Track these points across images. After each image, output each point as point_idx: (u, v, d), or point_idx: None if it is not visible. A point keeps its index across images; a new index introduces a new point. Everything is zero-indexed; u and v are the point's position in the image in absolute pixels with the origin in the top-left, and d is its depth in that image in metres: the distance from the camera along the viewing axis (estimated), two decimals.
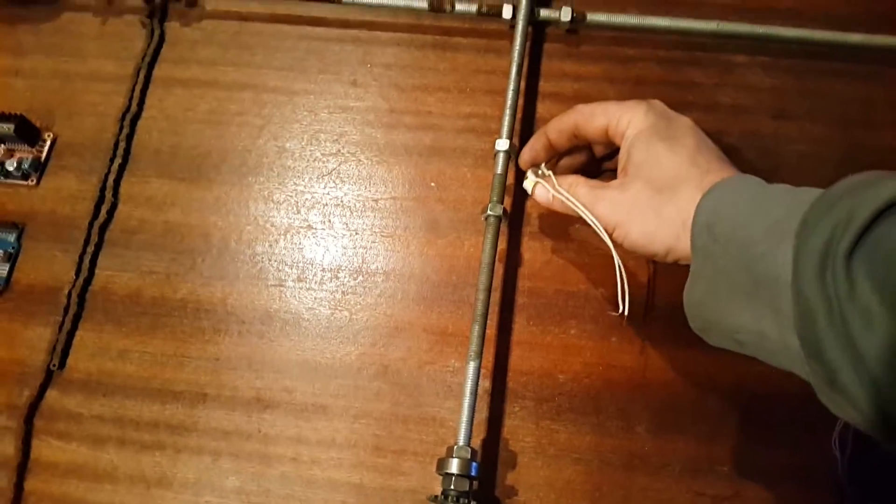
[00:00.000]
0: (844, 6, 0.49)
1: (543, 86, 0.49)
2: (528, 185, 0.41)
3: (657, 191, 0.35)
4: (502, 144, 0.43)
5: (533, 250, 0.45)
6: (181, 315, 0.44)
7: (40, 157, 0.48)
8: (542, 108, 0.48)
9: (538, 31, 0.50)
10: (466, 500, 0.35)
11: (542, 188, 0.40)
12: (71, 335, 0.44)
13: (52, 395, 0.43)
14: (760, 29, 0.48)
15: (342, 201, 0.47)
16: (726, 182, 0.33)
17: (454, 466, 0.36)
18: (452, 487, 0.35)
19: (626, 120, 0.38)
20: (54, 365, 0.43)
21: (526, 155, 0.43)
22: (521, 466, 0.40)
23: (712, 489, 0.39)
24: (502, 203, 0.42)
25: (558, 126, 0.41)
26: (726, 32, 0.48)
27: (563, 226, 0.45)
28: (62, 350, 0.44)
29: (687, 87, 0.48)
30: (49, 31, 0.53)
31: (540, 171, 0.42)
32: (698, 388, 0.41)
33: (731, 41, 0.48)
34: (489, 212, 0.42)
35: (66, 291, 0.45)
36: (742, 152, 0.46)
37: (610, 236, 0.37)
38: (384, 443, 0.41)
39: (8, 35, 0.53)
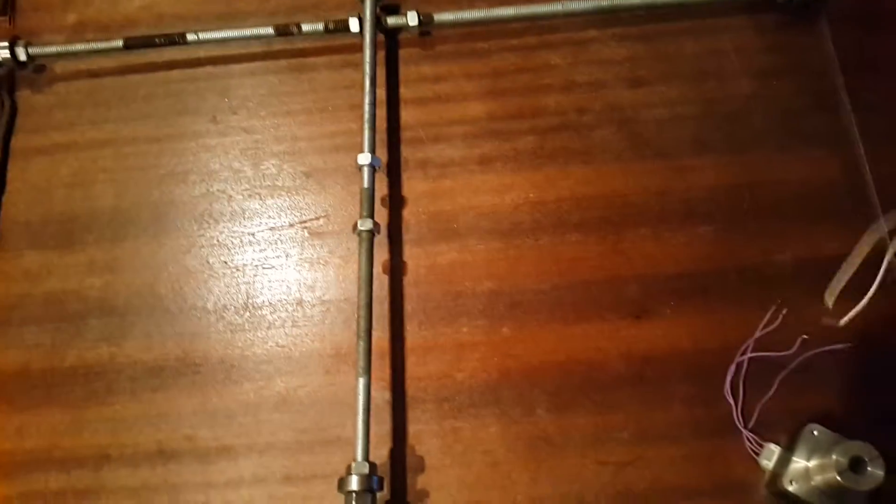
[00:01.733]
0: None
1: (404, 92, 0.50)
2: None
3: None
4: (364, 158, 0.45)
5: (415, 257, 0.46)
6: (73, 382, 0.45)
7: None
8: (405, 114, 0.50)
9: (391, 38, 0.52)
10: None
11: None
12: None
13: None
14: (605, 2, 0.50)
15: (218, 240, 0.48)
16: None
17: (354, 483, 0.37)
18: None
19: None
20: None
21: None
22: (430, 469, 0.41)
23: (614, 456, 0.41)
24: (372, 217, 0.44)
25: None
26: (572, 11, 0.50)
27: (441, 228, 0.47)
28: None
29: (543, 70, 0.50)
30: None
31: None
32: (590, 362, 0.43)
33: (580, 18, 0.51)
34: (360, 227, 0.43)
35: None
36: (604, 126, 0.48)
37: None
38: (293, 472, 0.42)
39: None
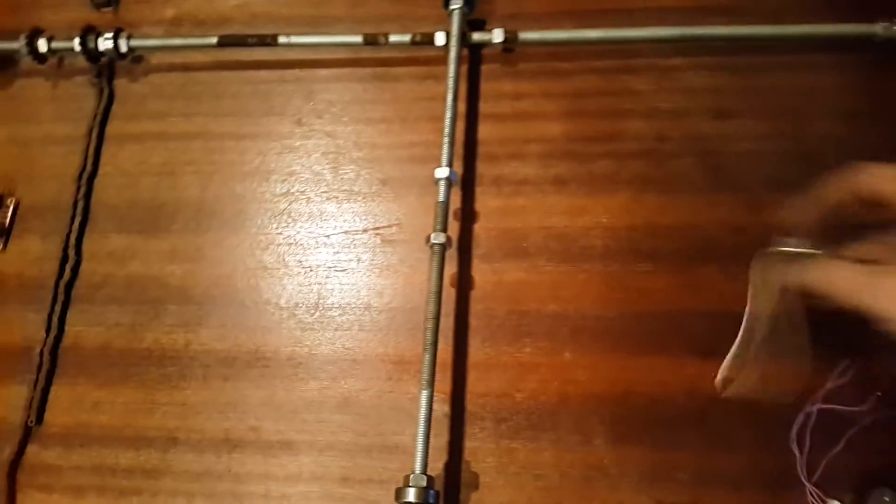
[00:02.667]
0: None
1: (483, 107, 0.51)
2: None
3: None
4: (442, 172, 0.45)
5: (483, 273, 0.47)
6: (148, 363, 0.47)
7: (4, 223, 0.51)
8: (483, 130, 0.50)
9: (474, 53, 0.52)
10: None
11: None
12: (46, 391, 0.47)
13: (32, 450, 0.46)
14: (693, 30, 0.49)
15: (295, 240, 0.49)
16: None
17: (411, 496, 0.38)
18: None
19: None
20: (32, 421, 0.46)
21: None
22: (483, 487, 0.42)
23: (671, 496, 0.40)
24: (445, 231, 0.44)
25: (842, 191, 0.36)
26: (660, 37, 0.49)
27: (511, 246, 0.47)
28: (38, 406, 0.46)
29: (625, 95, 0.50)
30: (3, 99, 0.56)
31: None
32: (652, 396, 0.42)
33: (666, 45, 0.50)
34: (433, 240, 0.44)
35: (38, 350, 0.47)
36: (683, 156, 0.48)
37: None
38: (350, 473, 0.43)
39: None
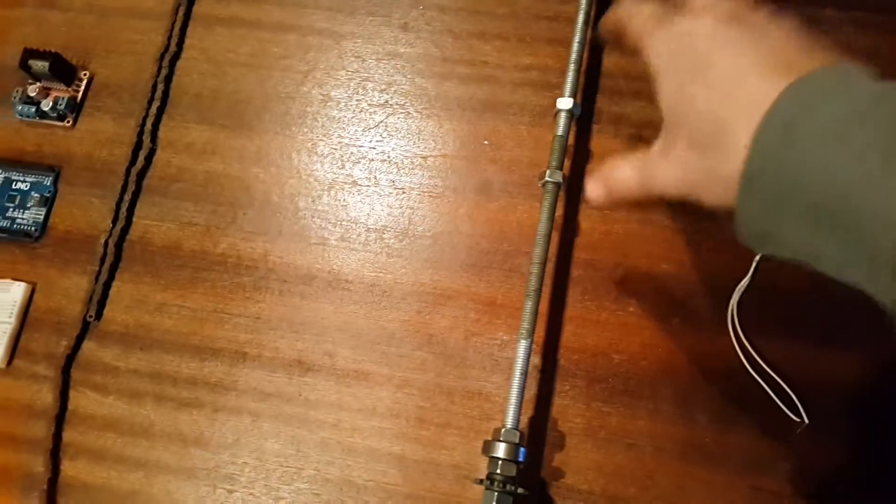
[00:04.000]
0: None
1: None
2: None
3: (703, 149, 0.27)
4: (565, 103, 0.41)
5: (591, 219, 0.42)
6: (221, 270, 0.44)
7: (76, 97, 0.47)
8: (608, 61, 0.45)
9: None
10: (513, 486, 0.34)
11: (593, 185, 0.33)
12: (107, 286, 0.44)
13: (88, 346, 0.43)
14: None
15: (389, 157, 0.45)
16: (823, 73, 0.24)
17: (501, 451, 0.35)
18: (499, 472, 0.35)
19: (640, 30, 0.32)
20: (91, 315, 0.43)
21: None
22: (569, 448, 0.39)
23: (772, 485, 0.37)
24: (562, 169, 0.40)
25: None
26: None
27: None
28: (99, 301, 0.43)
29: None
30: None
31: None
32: (766, 380, 0.39)
33: None
34: (547, 178, 0.39)
35: (103, 240, 0.44)
36: None
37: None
38: (427, 415, 0.40)
39: None
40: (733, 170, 0.25)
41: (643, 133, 0.43)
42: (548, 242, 0.39)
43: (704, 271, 0.41)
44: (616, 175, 0.32)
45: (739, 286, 0.40)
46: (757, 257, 0.40)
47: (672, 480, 0.38)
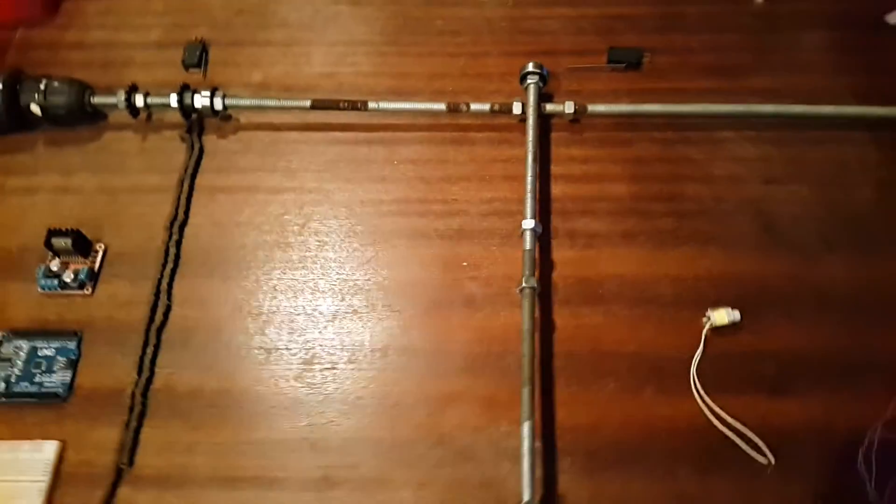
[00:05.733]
0: (811, 82, 0.60)
1: (554, 169, 0.57)
2: None
3: None
4: (528, 223, 0.51)
5: (563, 317, 0.52)
6: (243, 404, 0.50)
7: (94, 267, 0.55)
8: (555, 188, 0.57)
9: (545, 122, 0.59)
10: None
11: None
12: (137, 433, 0.49)
13: (124, 492, 0.47)
14: (741, 107, 0.57)
15: (383, 285, 0.53)
16: None
17: None
18: None
19: None
20: (124, 463, 0.48)
21: None
22: None
23: None
24: (535, 276, 0.50)
25: None
26: (712, 112, 0.58)
27: (587, 293, 0.52)
28: (130, 448, 0.48)
29: (682, 162, 0.57)
30: (94, 150, 0.60)
31: None
32: (733, 431, 0.47)
33: (718, 120, 0.58)
34: (524, 284, 0.49)
35: (130, 392, 0.50)
36: (739, 216, 0.55)
37: None
38: None
39: (56, 156, 0.60)
40: None
41: (593, 242, 0.54)
42: (532, 337, 0.48)
43: (664, 347, 0.50)
44: None
45: (695, 357, 0.50)
46: (704, 331, 0.50)
47: None
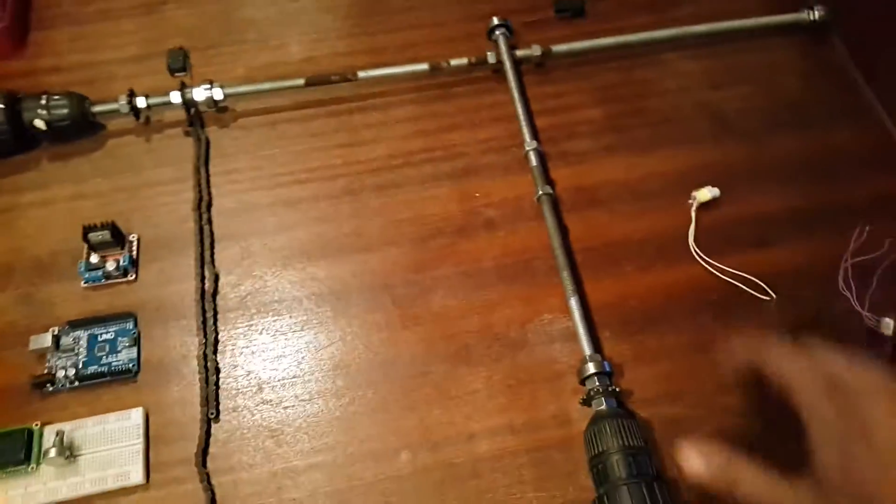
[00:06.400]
0: (730, 4, 0.72)
1: (533, 106, 0.66)
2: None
3: None
4: (531, 144, 0.60)
5: (573, 221, 0.60)
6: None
7: (132, 255, 0.58)
8: (538, 121, 0.65)
9: (515, 68, 0.68)
10: (613, 386, 0.48)
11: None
12: (217, 386, 0.53)
13: (218, 438, 0.51)
14: (679, 30, 0.69)
15: (411, 225, 0.60)
16: None
17: (591, 367, 0.49)
18: (597, 383, 0.48)
19: None
20: (212, 413, 0.52)
21: None
22: (627, 371, 0.53)
23: None
24: (549, 184, 0.58)
25: None
26: (656, 39, 0.68)
27: (589, 199, 0.61)
28: (215, 399, 0.52)
29: (640, 83, 0.68)
30: (101, 157, 0.64)
31: None
32: (737, 280, 0.57)
33: (661, 45, 0.69)
34: (541, 192, 0.57)
35: (200, 353, 0.54)
36: (698, 117, 0.65)
37: None
38: (516, 390, 0.53)
39: (63, 168, 0.63)
40: None
41: (583, 159, 0.63)
42: (559, 232, 0.56)
43: (663, 229, 0.59)
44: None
45: (690, 231, 0.59)
46: (693, 209, 0.60)
47: (704, 368, 0.53)
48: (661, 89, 0.67)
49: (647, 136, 0.64)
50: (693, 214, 0.59)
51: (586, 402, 0.49)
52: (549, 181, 0.61)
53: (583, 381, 0.49)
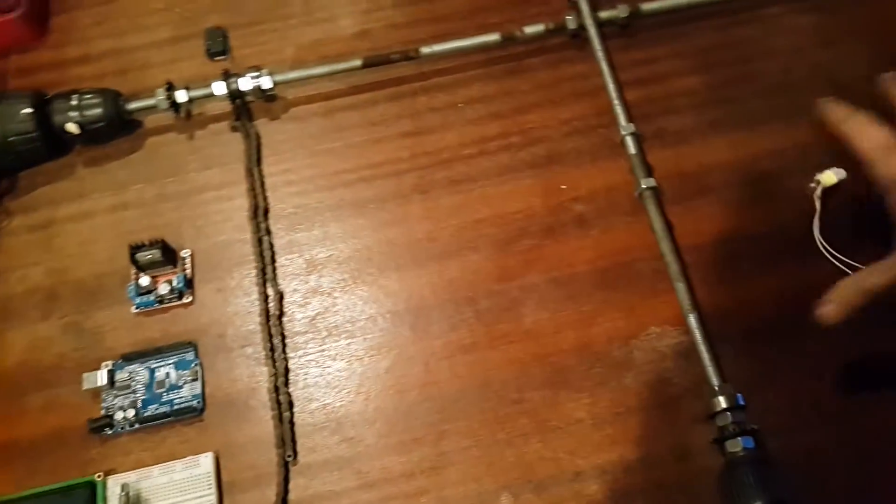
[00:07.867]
0: None
1: (622, 76, 0.58)
2: None
3: None
4: (627, 128, 0.52)
5: (677, 215, 0.52)
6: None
7: (187, 274, 0.53)
8: (628, 94, 0.57)
9: (600, 34, 0.59)
10: (748, 425, 0.42)
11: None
12: (292, 423, 0.48)
13: (298, 484, 0.46)
14: None
15: (492, 225, 0.53)
16: None
17: (723, 402, 0.42)
18: (731, 420, 0.42)
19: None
20: (289, 455, 0.47)
21: None
22: (753, 393, 0.46)
23: None
24: (651, 176, 0.50)
25: None
26: None
27: (694, 187, 0.53)
28: (291, 440, 0.47)
29: (742, 43, 0.59)
30: (141, 160, 0.58)
31: None
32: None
33: None
34: (643, 186, 0.50)
35: (271, 386, 0.48)
36: (812, 81, 0.56)
37: None
38: (625, 418, 0.47)
39: (101, 174, 0.57)
40: None
41: (684, 138, 0.55)
42: (668, 233, 0.49)
43: (784, 220, 0.52)
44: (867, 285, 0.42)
45: (815, 220, 0.51)
46: (816, 194, 0.51)
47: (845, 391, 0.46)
48: (766, 49, 0.58)
49: (756, 108, 0.56)
50: (817, 201, 0.51)
51: (718, 441, 0.42)
52: (650, 170, 0.53)
53: (712, 416, 0.43)
